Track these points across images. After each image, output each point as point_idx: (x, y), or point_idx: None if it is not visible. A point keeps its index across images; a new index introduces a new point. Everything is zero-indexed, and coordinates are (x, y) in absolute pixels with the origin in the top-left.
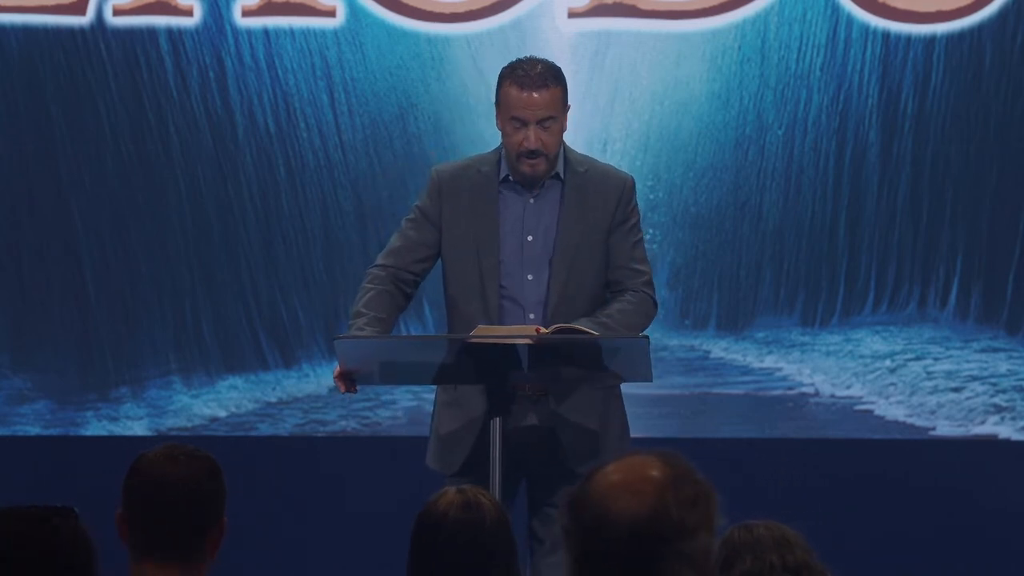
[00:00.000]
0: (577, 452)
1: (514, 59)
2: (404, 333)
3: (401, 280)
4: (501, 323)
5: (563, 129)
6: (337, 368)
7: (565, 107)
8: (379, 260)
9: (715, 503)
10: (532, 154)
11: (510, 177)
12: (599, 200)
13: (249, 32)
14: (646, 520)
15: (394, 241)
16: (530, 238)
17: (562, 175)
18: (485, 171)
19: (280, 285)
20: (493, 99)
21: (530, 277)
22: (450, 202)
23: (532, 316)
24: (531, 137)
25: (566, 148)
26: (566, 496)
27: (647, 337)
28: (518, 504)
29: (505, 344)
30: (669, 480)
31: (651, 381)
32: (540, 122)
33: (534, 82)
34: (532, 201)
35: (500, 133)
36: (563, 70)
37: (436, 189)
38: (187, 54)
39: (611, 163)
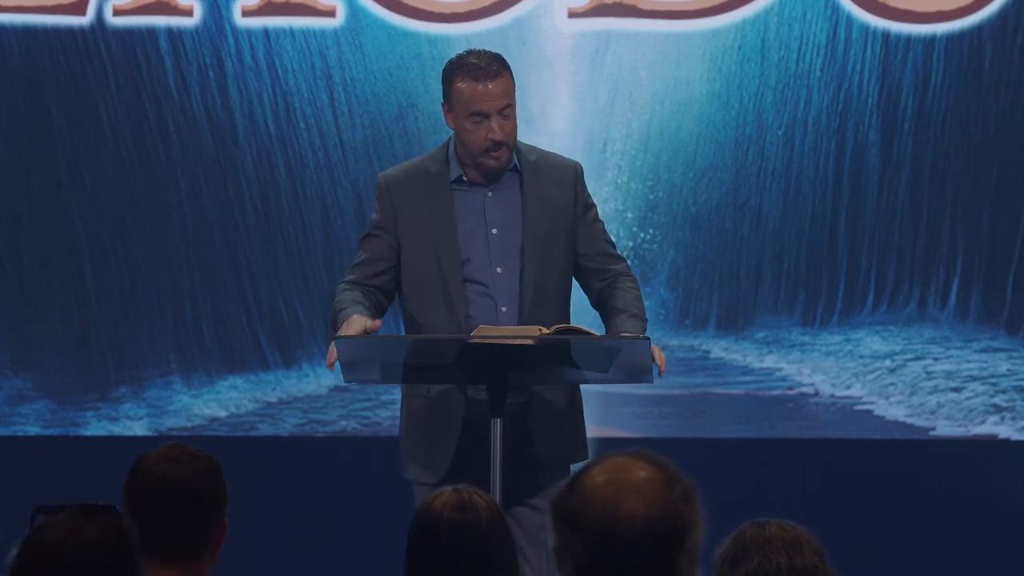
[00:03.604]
0: (547, 442)
1: (454, 56)
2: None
3: (367, 294)
4: (469, 321)
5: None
6: (332, 357)
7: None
8: (345, 277)
9: (699, 496)
10: (497, 145)
11: (463, 177)
12: (556, 188)
13: (249, 32)
14: (659, 520)
15: (355, 259)
16: (495, 231)
17: (518, 165)
18: (435, 170)
19: (280, 285)
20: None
21: (499, 270)
22: (402, 205)
23: (504, 309)
24: (496, 128)
25: None
26: (554, 507)
27: (648, 338)
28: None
29: (506, 344)
30: (663, 479)
31: (652, 382)
32: (500, 111)
33: (487, 73)
34: (490, 194)
35: (455, 132)
36: (563, 70)
37: (386, 196)
38: (187, 54)
39: (611, 163)
